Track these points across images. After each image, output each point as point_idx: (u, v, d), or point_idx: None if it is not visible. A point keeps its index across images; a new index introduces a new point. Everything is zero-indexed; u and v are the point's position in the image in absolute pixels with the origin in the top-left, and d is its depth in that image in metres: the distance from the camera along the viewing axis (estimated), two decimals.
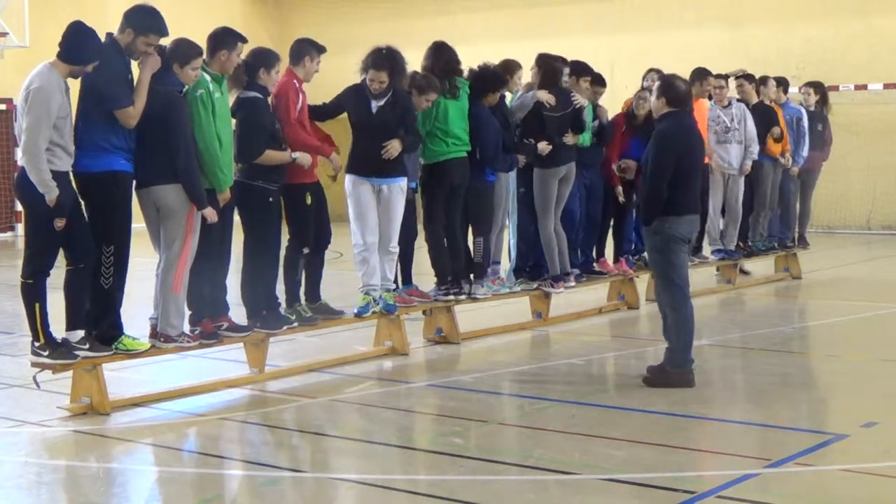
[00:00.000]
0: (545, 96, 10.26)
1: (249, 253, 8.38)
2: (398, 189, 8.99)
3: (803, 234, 14.39)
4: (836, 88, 18.82)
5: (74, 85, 7.21)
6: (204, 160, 7.64)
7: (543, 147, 10.22)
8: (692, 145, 8.06)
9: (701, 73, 12.42)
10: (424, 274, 10.19)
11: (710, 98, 12.70)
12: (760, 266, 14.30)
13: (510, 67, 10.20)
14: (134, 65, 7.46)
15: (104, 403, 7.31)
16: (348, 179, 8.96)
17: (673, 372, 7.90)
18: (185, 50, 7.57)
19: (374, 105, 8.85)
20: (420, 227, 9.76)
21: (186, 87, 7.61)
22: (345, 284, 10.90)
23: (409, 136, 8.94)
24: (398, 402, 7.79)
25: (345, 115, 9.02)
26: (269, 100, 8.38)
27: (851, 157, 19.91)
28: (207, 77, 7.74)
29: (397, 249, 9.17)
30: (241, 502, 5.82)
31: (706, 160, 11.05)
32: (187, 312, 7.90)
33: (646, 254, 10.85)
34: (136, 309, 8.76)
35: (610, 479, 5.87)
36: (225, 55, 7.86)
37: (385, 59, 8.79)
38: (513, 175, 10.35)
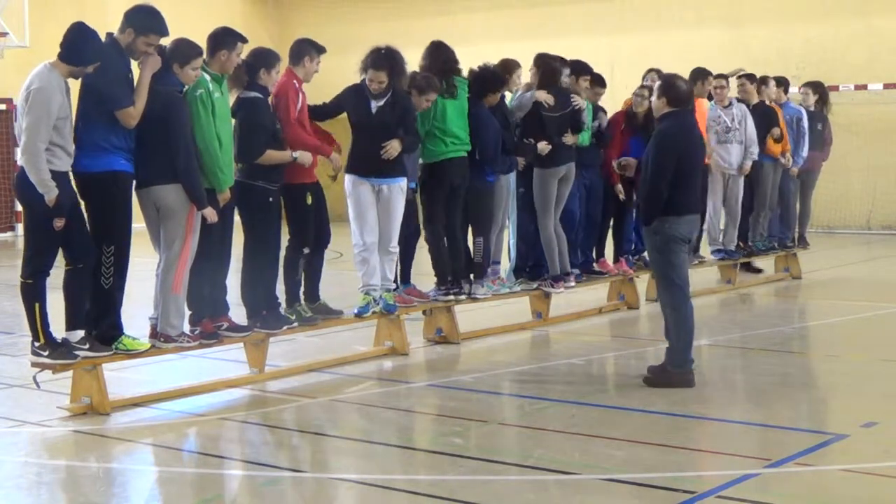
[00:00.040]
0: (544, 96, 10.26)
1: (249, 253, 8.38)
2: (398, 189, 8.98)
3: (803, 234, 14.38)
4: (836, 88, 18.81)
5: (74, 85, 7.21)
6: (204, 160, 7.64)
7: (543, 147, 10.22)
8: (693, 145, 8.06)
9: (701, 73, 12.42)
10: (424, 274, 10.19)
11: (709, 98, 12.70)
12: (760, 266, 14.29)
13: (509, 67, 10.20)
14: (134, 65, 7.47)
15: (104, 403, 7.31)
16: (348, 179, 8.96)
17: (673, 372, 7.90)
18: (185, 50, 7.57)
19: (374, 105, 8.85)
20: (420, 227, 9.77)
21: (186, 87, 7.62)
22: (345, 284, 10.90)
23: (409, 136, 8.94)
24: (398, 402, 7.79)
25: (345, 115, 9.02)
26: (269, 100, 8.38)
27: (851, 157, 19.91)
28: (207, 77, 7.74)
29: (397, 249, 9.17)
30: (241, 502, 5.82)
31: (706, 160, 11.06)
32: (187, 312, 7.90)
33: (646, 254, 10.86)
34: (136, 309, 8.75)
35: (610, 479, 5.87)
36: (225, 55, 7.86)
37: (384, 59, 8.79)
38: (512, 175, 10.35)
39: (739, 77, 13.46)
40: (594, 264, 11.52)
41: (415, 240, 9.77)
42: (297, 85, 8.55)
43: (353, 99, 8.95)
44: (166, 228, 7.57)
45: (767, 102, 13.42)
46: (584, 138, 10.76)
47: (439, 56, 9.57)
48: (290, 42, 8.85)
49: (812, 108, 14.14)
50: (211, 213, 7.63)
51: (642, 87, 11.54)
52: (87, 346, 7.26)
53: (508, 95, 10.47)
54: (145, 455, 6.73)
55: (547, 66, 10.45)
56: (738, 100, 13.05)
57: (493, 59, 10.22)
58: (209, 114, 7.67)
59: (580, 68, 10.96)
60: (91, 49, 7.11)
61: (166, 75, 7.50)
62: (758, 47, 21.06)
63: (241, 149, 8.13)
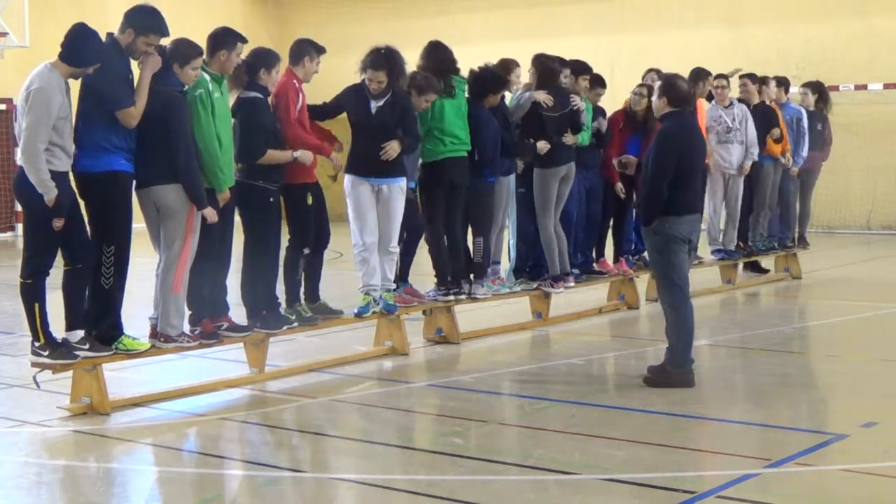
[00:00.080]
0: (542, 96, 10.25)
1: (249, 253, 8.38)
2: (398, 189, 8.98)
3: (803, 234, 14.37)
4: (836, 88, 18.80)
5: (75, 85, 7.21)
6: (204, 160, 7.64)
7: (542, 147, 10.21)
8: (693, 145, 8.05)
9: (700, 73, 12.42)
10: (424, 274, 10.19)
11: (709, 98, 12.70)
12: (767, 266, 14.28)
13: (507, 66, 10.21)
14: (134, 65, 7.47)
15: (104, 403, 7.31)
16: (347, 179, 8.96)
17: (673, 372, 7.90)
18: (185, 50, 7.57)
19: (374, 105, 8.85)
20: None
21: (186, 86, 7.61)
22: (345, 284, 10.90)
23: (408, 136, 8.94)
24: (398, 402, 7.79)
25: (345, 115, 9.02)
26: (269, 100, 8.38)
27: (851, 157, 19.91)
28: (207, 77, 7.74)
29: (397, 249, 9.17)
30: (241, 502, 5.81)
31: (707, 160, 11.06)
32: (187, 312, 7.90)
33: (646, 254, 10.86)
34: (136, 309, 8.75)
35: (610, 479, 5.87)
36: (225, 55, 7.87)
37: (384, 59, 8.79)
38: (512, 175, 10.34)
39: (741, 77, 13.45)
40: (594, 264, 11.52)
41: (415, 238, 9.76)
42: (297, 85, 8.55)
43: (352, 99, 8.95)
44: (166, 228, 7.57)
45: (767, 102, 13.42)
46: (584, 138, 10.75)
47: (437, 56, 9.57)
48: (290, 42, 8.86)
49: (812, 108, 14.14)
50: (211, 213, 7.63)
51: (641, 85, 11.53)
52: (87, 346, 7.26)
53: (508, 96, 10.47)
54: (145, 455, 6.73)
55: (544, 67, 10.45)
56: (739, 100, 13.05)
57: (493, 60, 10.22)
58: (209, 114, 7.67)
59: (580, 68, 10.96)
60: (92, 50, 7.11)
61: (166, 75, 7.50)
62: (758, 47, 21.06)
63: (241, 149, 8.13)
